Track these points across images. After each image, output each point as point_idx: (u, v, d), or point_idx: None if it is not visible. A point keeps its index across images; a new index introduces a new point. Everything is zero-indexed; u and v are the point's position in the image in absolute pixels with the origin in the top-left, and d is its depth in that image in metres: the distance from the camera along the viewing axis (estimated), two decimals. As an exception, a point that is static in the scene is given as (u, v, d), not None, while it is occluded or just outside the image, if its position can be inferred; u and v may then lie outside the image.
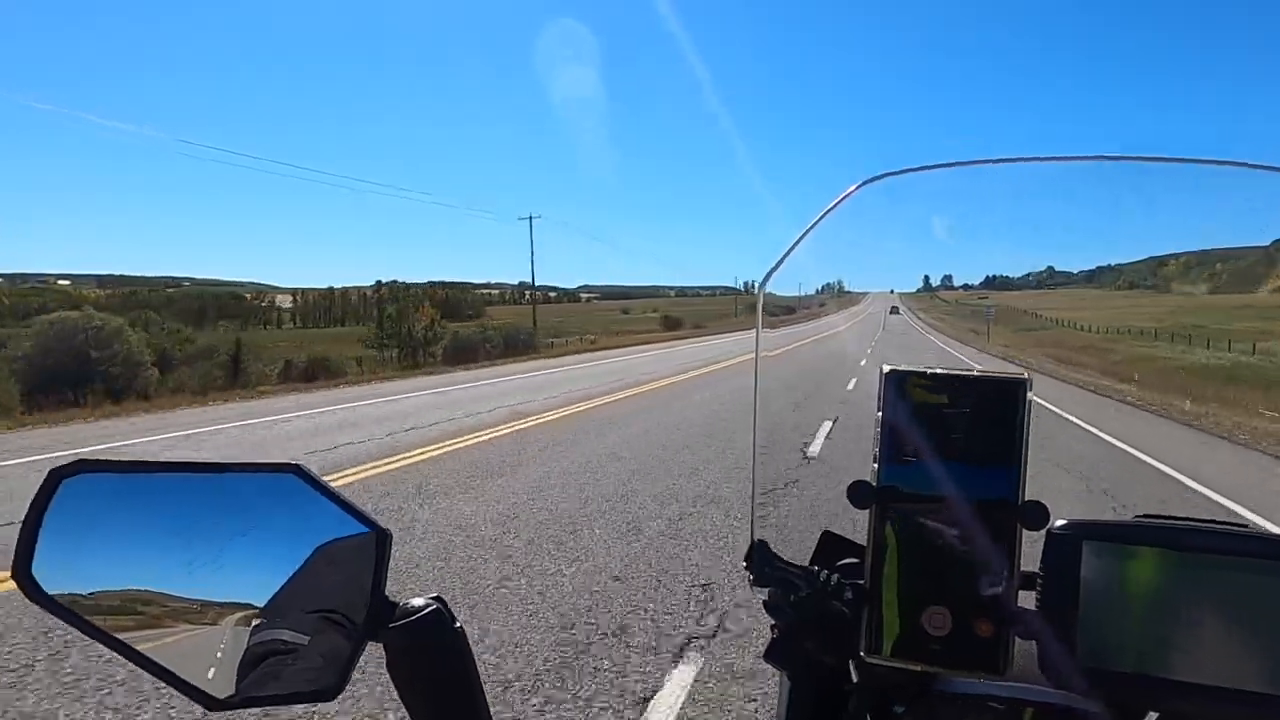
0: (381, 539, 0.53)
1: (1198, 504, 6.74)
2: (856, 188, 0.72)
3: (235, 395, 16.08)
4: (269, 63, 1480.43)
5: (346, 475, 7.05)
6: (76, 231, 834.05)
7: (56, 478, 0.50)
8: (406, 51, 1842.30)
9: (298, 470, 0.53)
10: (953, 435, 0.60)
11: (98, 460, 0.51)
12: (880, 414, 0.62)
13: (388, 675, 0.52)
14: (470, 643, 0.54)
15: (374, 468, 7.49)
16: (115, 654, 0.49)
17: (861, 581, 0.63)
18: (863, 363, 19.68)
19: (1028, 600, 0.61)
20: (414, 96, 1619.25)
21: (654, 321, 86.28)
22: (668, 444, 8.94)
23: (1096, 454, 9.31)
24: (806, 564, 0.70)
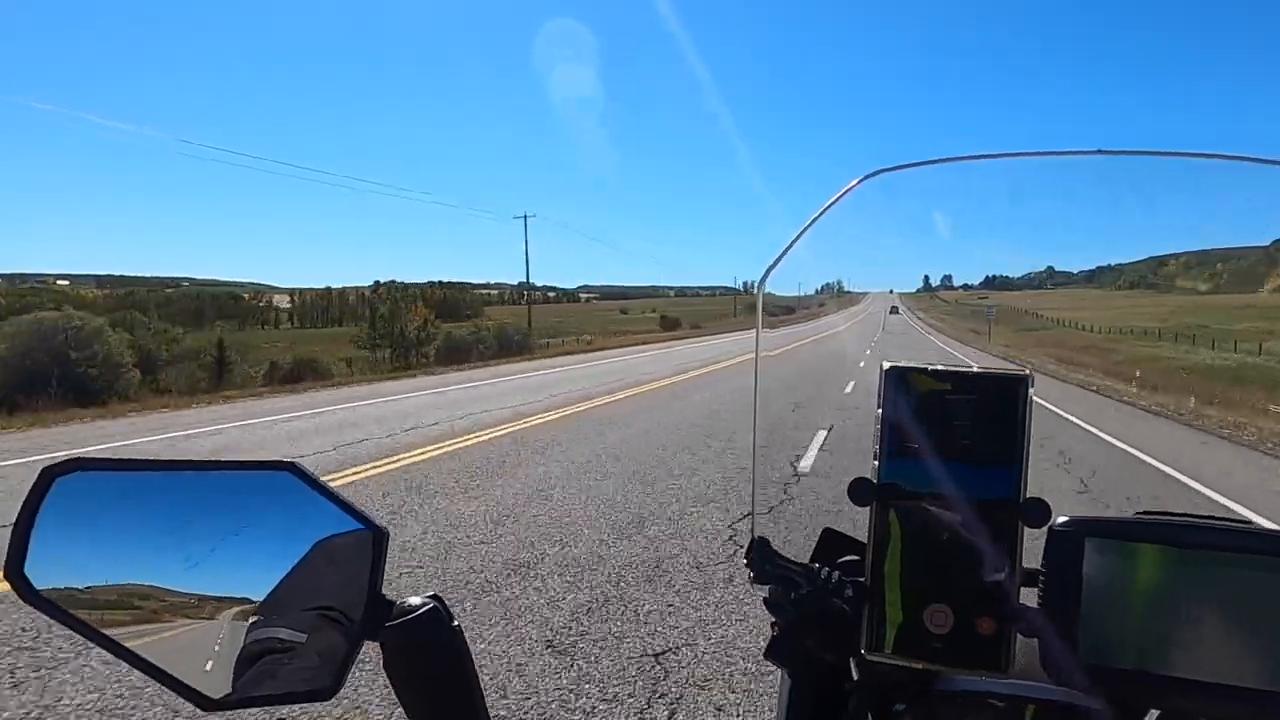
0: (378, 537, 0.53)
1: None
2: (858, 182, 0.72)
3: (205, 399, 15.35)
4: (269, 63, 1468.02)
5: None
6: (76, 232, 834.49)
7: (50, 476, 0.49)
8: (406, 51, 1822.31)
9: (293, 468, 0.53)
10: (954, 432, 0.60)
11: (91, 458, 0.50)
12: (880, 411, 0.61)
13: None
14: (468, 642, 0.54)
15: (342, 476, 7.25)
16: (110, 654, 0.49)
17: (862, 579, 0.63)
18: (861, 364, 19.28)
19: (1029, 597, 0.60)
20: (414, 96, 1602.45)
21: (652, 322, 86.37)
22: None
23: (1136, 477, 8.09)
24: (807, 562, 0.70)
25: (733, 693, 3.07)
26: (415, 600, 0.53)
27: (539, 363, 25.56)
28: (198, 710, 0.50)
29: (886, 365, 0.62)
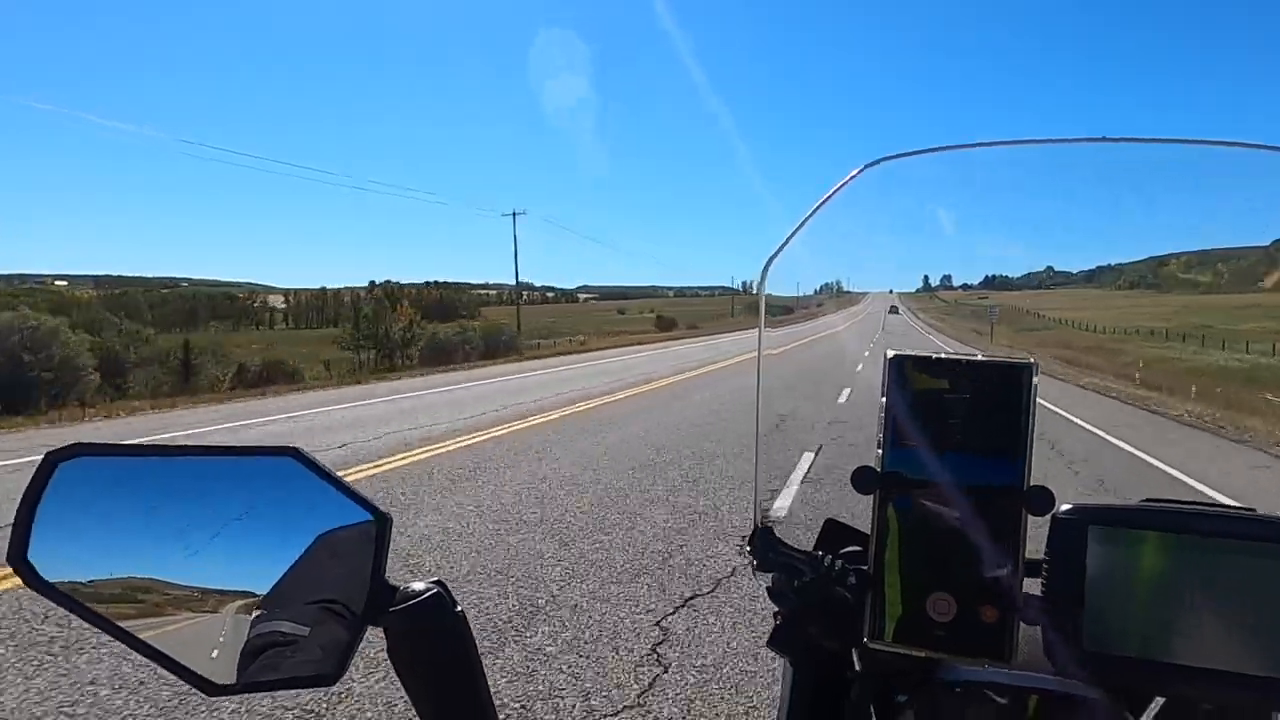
0: (381, 523, 0.53)
1: None
2: (859, 171, 0.72)
3: (147, 406, 14.29)
4: (269, 63, 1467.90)
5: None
6: (76, 232, 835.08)
7: (52, 462, 0.49)
8: (406, 52, 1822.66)
9: (296, 453, 0.52)
10: (957, 420, 0.59)
11: (94, 444, 0.50)
12: (884, 400, 0.61)
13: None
14: (471, 627, 0.53)
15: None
16: (113, 639, 0.48)
17: (865, 567, 0.62)
18: (859, 367, 18.28)
19: (1032, 586, 0.60)
20: (413, 97, 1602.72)
21: (649, 322, 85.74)
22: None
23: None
24: (810, 550, 0.69)
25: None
26: (418, 585, 0.52)
27: (521, 365, 24.55)
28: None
29: (891, 354, 0.61)
